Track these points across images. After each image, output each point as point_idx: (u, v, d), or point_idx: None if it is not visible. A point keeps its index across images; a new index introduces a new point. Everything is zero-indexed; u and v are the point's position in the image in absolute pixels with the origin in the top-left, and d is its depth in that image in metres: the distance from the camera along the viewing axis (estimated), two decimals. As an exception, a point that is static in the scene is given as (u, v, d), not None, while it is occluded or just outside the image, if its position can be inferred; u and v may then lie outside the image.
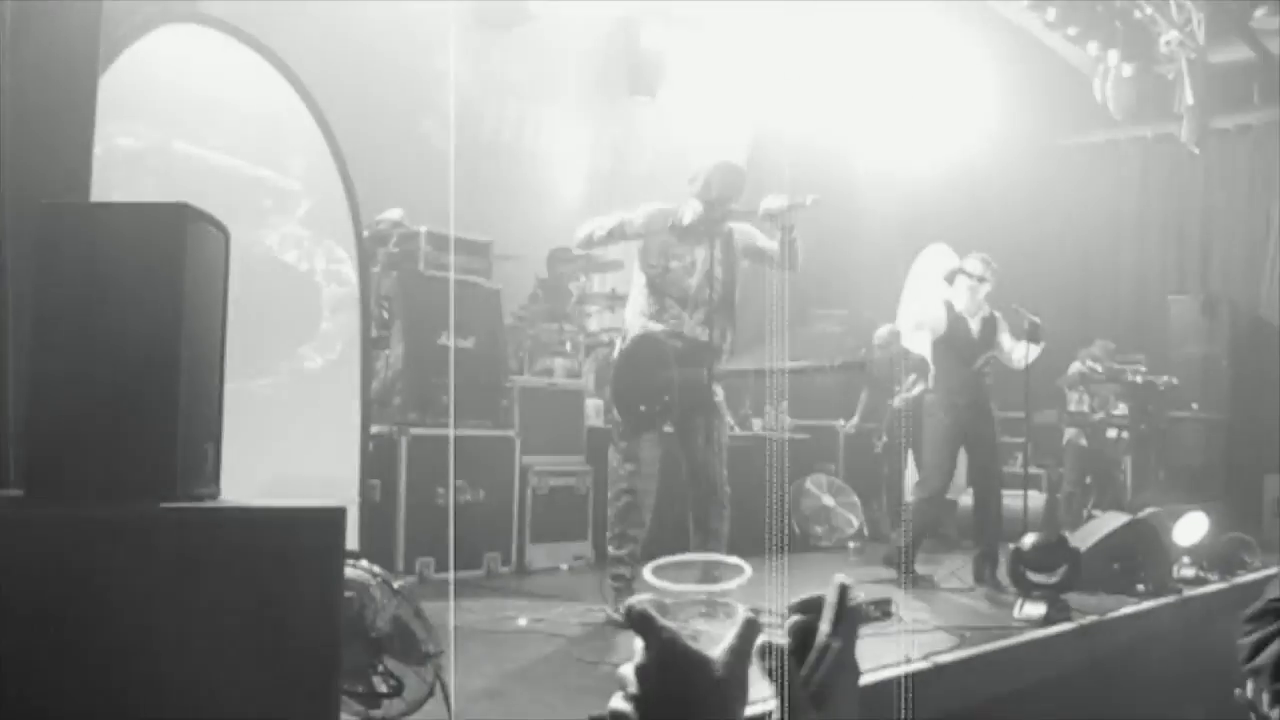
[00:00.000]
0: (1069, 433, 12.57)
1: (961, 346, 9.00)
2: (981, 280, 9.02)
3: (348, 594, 3.86)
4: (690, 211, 6.81)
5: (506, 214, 10.64)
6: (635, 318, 6.93)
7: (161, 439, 3.09)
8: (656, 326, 6.80)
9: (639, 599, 1.43)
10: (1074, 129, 14.47)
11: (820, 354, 12.32)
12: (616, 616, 6.59)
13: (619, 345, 7.04)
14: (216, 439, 3.42)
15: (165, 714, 2.98)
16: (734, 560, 1.66)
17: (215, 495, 3.39)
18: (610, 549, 6.88)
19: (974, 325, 9.03)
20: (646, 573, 1.54)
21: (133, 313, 3.07)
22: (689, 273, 6.83)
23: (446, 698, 4.06)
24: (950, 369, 8.99)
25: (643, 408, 6.69)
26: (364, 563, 4.09)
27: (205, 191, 6.72)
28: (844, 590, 1.54)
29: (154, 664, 2.96)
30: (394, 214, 8.70)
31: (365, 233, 7.95)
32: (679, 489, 7.01)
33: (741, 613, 1.48)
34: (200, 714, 3.05)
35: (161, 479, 3.08)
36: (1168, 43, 12.67)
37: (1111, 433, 12.45)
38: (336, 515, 3.29)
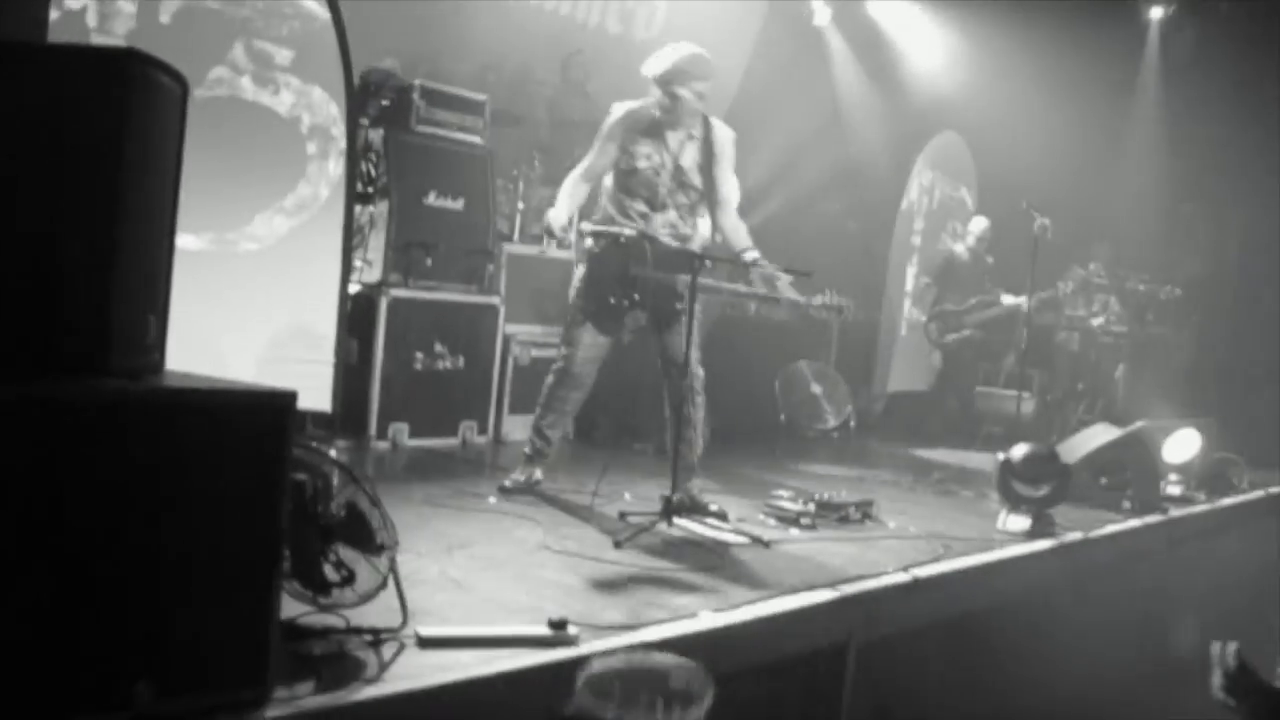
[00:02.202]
0: (1060, 336, 12.32)
1: None
2: None
3: (300, 477, 3.62)
4: (657, 106, 6.55)
5: (509, 73, 10.29)
6: (602, 216, 6.71)
7: (93, 306, 2.82)
8: (624, 222, 6.59)
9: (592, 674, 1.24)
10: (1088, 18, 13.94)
11: (821, 241, 12.10)
12: (508, 484, 6.68)
13: (588, 243, 6.75)
14: (162, 309, 3.14)
15: (91, 604, 2.77)
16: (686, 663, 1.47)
17: (156, 369, 3.13)
18: (535, 420, 6.88)
19: None
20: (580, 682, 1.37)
21: (67, 166, 2.78)
22: (656, 172, 6.58)
23: (400, 593, 3.84)
24: None
25: (611, 300, 6.55)
26: (321, 446, 3.83)
27: (183, 34, 6.52)
28: None
29: (79, 553, 2.74)
30: (388, 64, 8.34)
31: (356, 82, 7.63)
32: (655, 376, 6.85)
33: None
34: (128, 603, 2.84)
35: (91, 351, 2.83)
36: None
37: (1107, 339, 12.21)
38: (285, 400, 3.04)
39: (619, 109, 6.68)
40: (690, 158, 6.60)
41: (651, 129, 6.59)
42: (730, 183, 6.72)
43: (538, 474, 6.77)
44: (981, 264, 11.93)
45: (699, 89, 6.51)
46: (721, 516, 6.40)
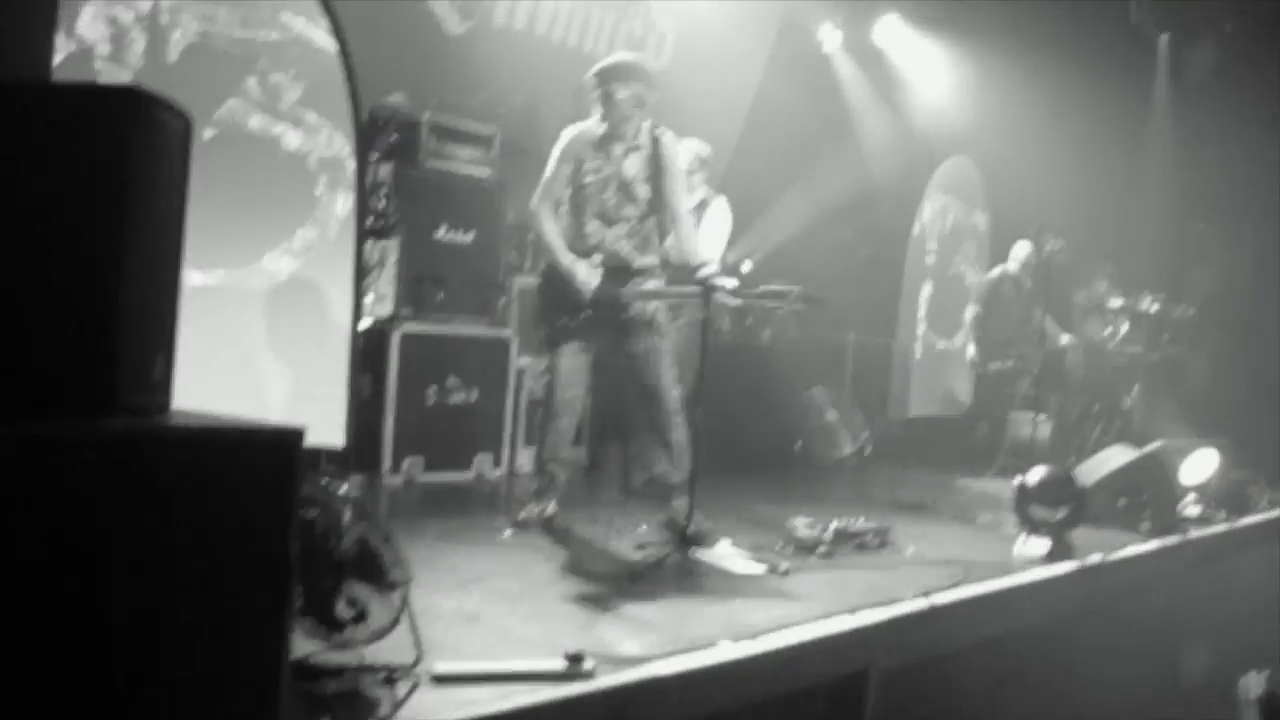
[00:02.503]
0: (1070, 359, 12.17)
1: None
2: None
3: (311, 513, 3.61)
4: (599, 117, 6.61)
5: (517, 106, 10.28)
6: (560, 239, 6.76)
7: (98, 344, 2.80)
8: (578, 247, 6.63)
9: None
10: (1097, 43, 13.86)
11: (833, 267, 12.07)
12: (521, 518, 6.64)
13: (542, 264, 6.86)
14: (169, 347, 3.13)
15: (97, 647, 2.74)
16: None
17: (163, 407, 3.11)
18: (535, 454, 6.97)
19: None
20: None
21: (71, 206, 2.77)
22: (604, 187, 6.60)
23: (413, 629, 3.81)
24: None
25: (562, 320, 6.61)
26: (331, 482, 3.81)
27: (191, 71, 6.54)
28: None
29: (83, 594, 2.71)
30: (396, 99, 8.35)
31: (364, 118, 7.64)
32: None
33: None
34: (135, 645, 2.81)
35: (97, 389, 2.81)
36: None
37: (1121, 360, 12.13)
38: (292, 437, 3.02)
39: (568, 131, 6.73)
40: (634, 169, 6.59)
41: (599, 144, 6.61)
42: (680, 193, 6.70)
43: (550, 507, 6.74)
44: (1023, 289, 11.70)
45: (636, 91, 6.51)
46: (702, 539, 6.32)
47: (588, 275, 6.52)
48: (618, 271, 6.58)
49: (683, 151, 6.99)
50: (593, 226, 6.62)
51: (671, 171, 6.64)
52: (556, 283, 6.62)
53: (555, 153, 6.72)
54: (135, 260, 2.88)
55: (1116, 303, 11.95)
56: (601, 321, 6.58)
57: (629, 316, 6.57)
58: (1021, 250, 11.77)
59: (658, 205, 6.67)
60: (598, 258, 6.55)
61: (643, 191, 6.60)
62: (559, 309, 6.61)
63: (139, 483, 2.77)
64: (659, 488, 6.56)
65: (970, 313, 12.16)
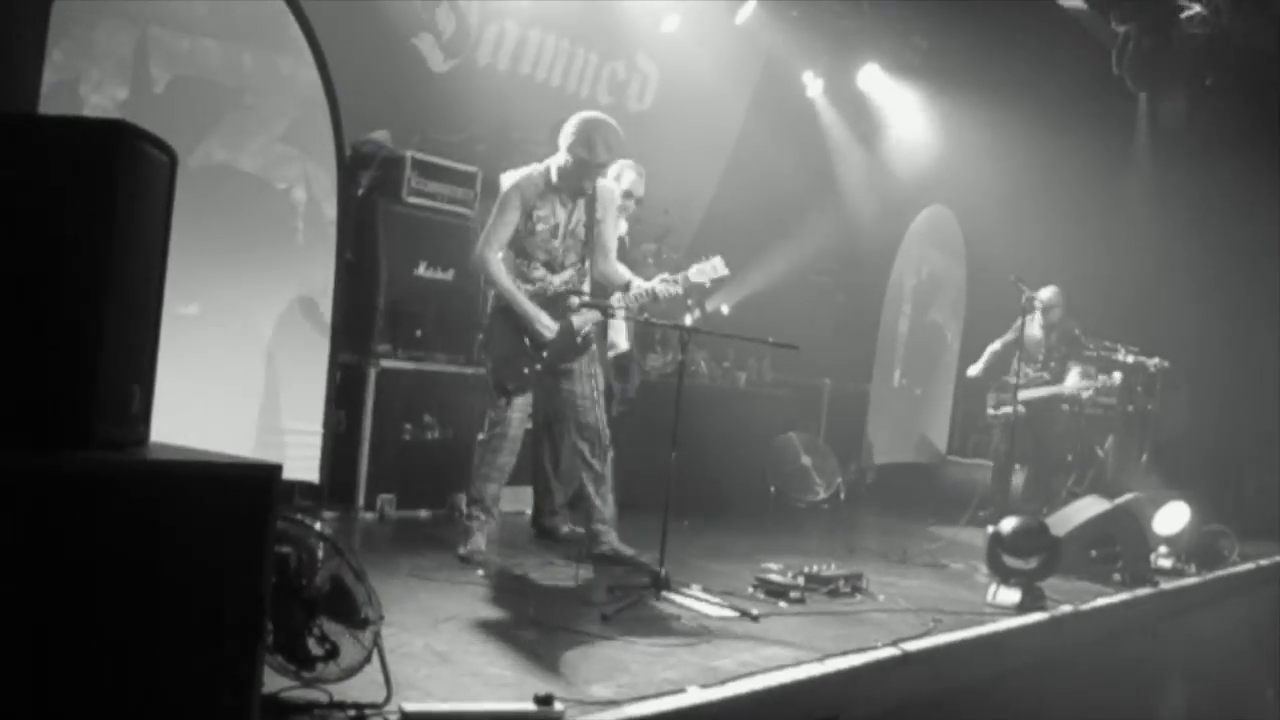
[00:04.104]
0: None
1: None
2: None
3: (284, 549, 3.60)
4: (558, 170, 6.72)
5: (500, 143, 10.31)
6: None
7: (77, 377, 2.80)
8: (525, 287, 6.74)
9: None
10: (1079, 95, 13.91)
11: (811, 313, 12.12)
12: (462, 552, 6.65)
13: (490, 306, 7.03)
14: (147, 380, 3.13)
15: (67, 677, 2.73)
16: None
17: (141, 440, 3.11)
18: (474, 490, 6.88)
19: None
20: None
21: (54, 236, 2.78)
22: (554, 234, 6.76)
23: (384, 667, 3.80)
24: None
25: (510, 386, 6.74)
26: (305, 518, 3.80)
27: (177, 103, 6.56)
28: None
29: (55, 624, 2.70)
30: (379, 135, 8.37)
31: (347, 153, 7.67)
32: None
33: None
34: (105, 677, 2.81)
35: (75, 421, 2.80)
36: (1190, 18, 12.25)
37: (1095, 411, 12.14)
38: (269, 473, 3.02)
39: (510, 178, 6.80)
40: (578, 216, 6.76)
41: (545, 192, 6.73)
42: (611, 233, 6.91)
43: (482, 543, 6.75)
44: (1053, 334, 11.44)
45: (604, 158, 6.67)
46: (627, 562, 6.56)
47: (550, 321, 6.66)
48: (552, 305, 6.72)
49: (617, 188, 7.17)
50: (539, 272, 6.76)
51: (608, 212, 6.86)
52: (511, 331, 6.74)
53: (502, 200, 6.77)
54: (117, 293, 2.89)
55: (1090, 353, 11.91)
56: (555, 356, 6.70)
57: (576, 342, 6.73)
58: (1045, 294, 11.02)
59: (589, 241, 6.82)
60: (575, 300, 6.64)
61: (584, 235, 6.78)
62: (517, 359, 6.70)
63: (112, 516, 2.77)
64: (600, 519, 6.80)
65: (989, 352, 11.67)
